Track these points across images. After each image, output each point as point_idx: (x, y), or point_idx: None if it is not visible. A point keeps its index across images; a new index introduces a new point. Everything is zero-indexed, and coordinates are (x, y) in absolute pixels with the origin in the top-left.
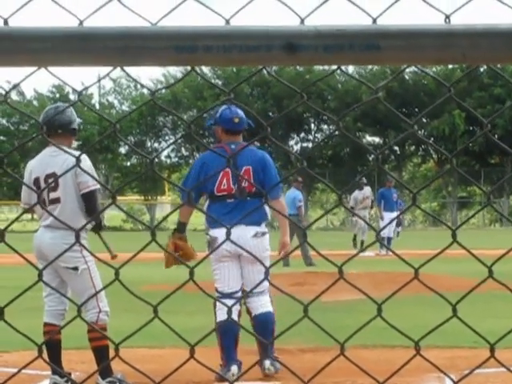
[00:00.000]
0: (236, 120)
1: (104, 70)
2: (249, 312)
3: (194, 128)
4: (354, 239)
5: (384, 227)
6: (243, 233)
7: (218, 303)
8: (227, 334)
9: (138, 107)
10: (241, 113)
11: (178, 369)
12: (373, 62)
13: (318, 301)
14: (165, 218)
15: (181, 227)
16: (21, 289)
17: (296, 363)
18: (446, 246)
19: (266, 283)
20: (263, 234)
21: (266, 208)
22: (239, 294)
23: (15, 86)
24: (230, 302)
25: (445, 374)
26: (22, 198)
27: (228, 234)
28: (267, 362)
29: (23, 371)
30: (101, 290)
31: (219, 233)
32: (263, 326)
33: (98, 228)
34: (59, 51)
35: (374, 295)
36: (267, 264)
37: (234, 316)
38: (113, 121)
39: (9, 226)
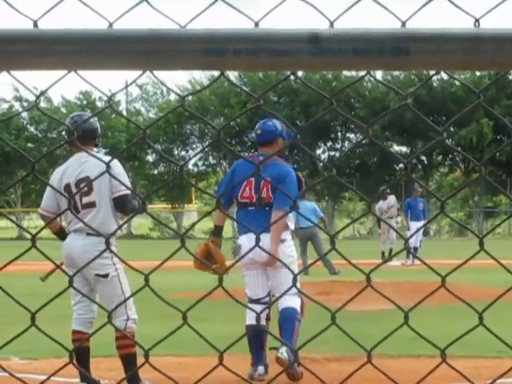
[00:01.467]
0: (258, 132)
1: (131, 76)
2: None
3: (222, 135)
4: (383, 255)
5: (412, 235)
6: (263, 240)
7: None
8: (254, 337)
9: (167, 113)
10: (268, 125)
11: (206, 375)
12: (401, 68)
13: (344, 310)
14: (193, 225)
15: (216, 230)
16: (51, 296)
17: (323, 372)
18: (471, 255)
19: (294, 288)
20: (282, 241)
21: (286, 218)
22: (266, 299)
23: (43, 93)
24: (258, 306)
25: (471, 382)
26: (45, 205)
27: (256, 239)
28: (283, 348)
29: (52, 378)
30: (130, 296)
31: (243, 240)
32: (285, 320)
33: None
34: (89, 54)
35: (399, 304)
36: (293, 269)
37: (262, 321)
38: (142, 127)
39: (40, 231)
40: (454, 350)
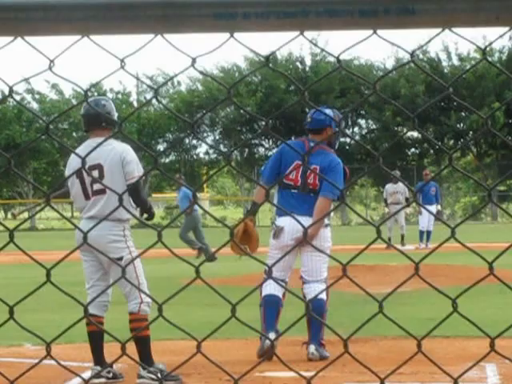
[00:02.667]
0: (308, 119)
1: (141, 69)
2: (304, 298)
3: (228, 123)
4: (389, 241)
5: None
6: (305, 223)
7: (265, 281)
8: (271, 305)
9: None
10: (317, 114)
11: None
12: (408, 26)
13: (359, 293)
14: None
15: (253, 207)
16: (63, 284)
17: (337, 353)
18: (485, 239)
19: (324, 273)
20: (326, 225)
21: (331, 205)
22: (287, 281)
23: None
24: (275, 284)
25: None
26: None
27: (295, 223)
28: (312, 347)
29: (66, 363)
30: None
31: (284, 222)
32: (314, 312)
33: (150, 216)
34: (101, 20)
35: (413, 287)
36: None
37: (279, 293)
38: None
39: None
40: (471, 330)
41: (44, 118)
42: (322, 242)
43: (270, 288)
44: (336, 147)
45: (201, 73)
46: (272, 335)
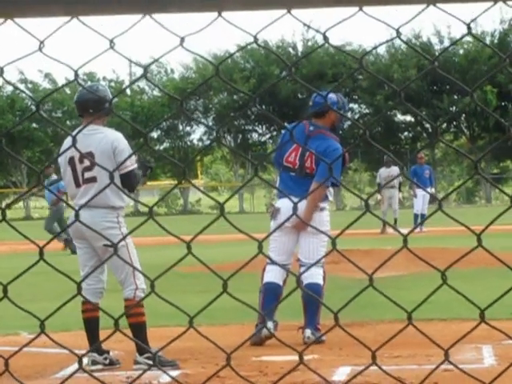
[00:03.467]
0: (310, 103)
1: (134, 57)
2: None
3: (221, 109)
4: (384, 226)
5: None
6: (302, 206)
7: (267, 267)
8: (270, 293)
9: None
10: (318, 97)
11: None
12: (392, 2)
13: (353, 278)
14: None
15: None
16: (53, 274)
17: (334, 337)
18: (481, 221)
19: (321, 255)
20: (321, 209)
21: (326, 189)
22: (289, 267)
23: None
24: (276, 267)
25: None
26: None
27: (294, 206)
28: (308, 331)
29: (62, 350)
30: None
31: (282, 203)
32: (310, 296)
33: (146, 172)
34: (90, 1)
35: (409, 271)
36: (325, 238)
37: (279, 281)
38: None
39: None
40: (467, 312)
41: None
42: (318, 225)
43: (271, 275)
44: (339, 132)
45: (188, 51)
46: (270, 324)
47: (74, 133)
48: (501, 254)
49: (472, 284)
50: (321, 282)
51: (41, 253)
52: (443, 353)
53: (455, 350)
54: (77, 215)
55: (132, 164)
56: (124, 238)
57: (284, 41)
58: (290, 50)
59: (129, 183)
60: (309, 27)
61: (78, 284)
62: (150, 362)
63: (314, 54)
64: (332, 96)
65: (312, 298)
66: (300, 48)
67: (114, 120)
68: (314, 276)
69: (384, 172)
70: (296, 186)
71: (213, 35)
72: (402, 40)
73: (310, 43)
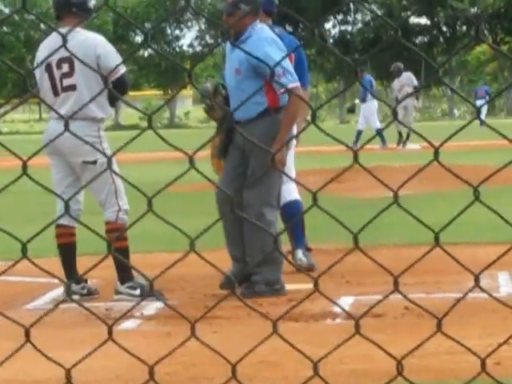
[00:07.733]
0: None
1: None
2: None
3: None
4: (400, 135)
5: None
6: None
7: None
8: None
9: None
10: None
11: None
12: None
13: (355, 198)
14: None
15: None
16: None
17: (332, 262)
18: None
19: (289, 171)
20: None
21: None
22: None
23: None
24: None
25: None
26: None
27: None
28: (299, 252)
29: (33, 280)
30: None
31: None
32: (293, 215)
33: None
34: None
35: (418, 189)
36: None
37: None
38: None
39: None
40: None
41: (7, 8)
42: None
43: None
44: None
45: None
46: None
47: (52, 38)
48: None
49: (483, 205)
50: (298, 197)
51: (24, 167)
52: (460, 280)
53: (469, 276)
54: (52, 128)
55: (122, 67)
56: (113, 155)
57: None
58: None
59: (122, 88)
60: None
61: (65, 202)
62: (133, 292)
63: None
64: None
65: (294, 217)
66: None
67: (95, 23)
68: (289, 192)
69: (396, 83)
70: None
71: None
72: None
73: None
